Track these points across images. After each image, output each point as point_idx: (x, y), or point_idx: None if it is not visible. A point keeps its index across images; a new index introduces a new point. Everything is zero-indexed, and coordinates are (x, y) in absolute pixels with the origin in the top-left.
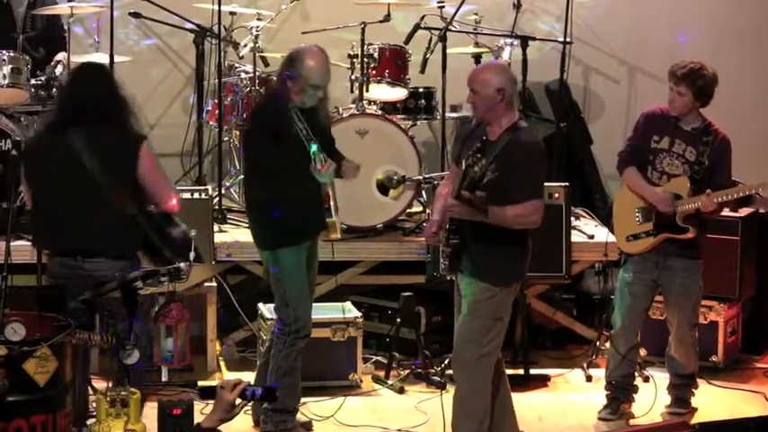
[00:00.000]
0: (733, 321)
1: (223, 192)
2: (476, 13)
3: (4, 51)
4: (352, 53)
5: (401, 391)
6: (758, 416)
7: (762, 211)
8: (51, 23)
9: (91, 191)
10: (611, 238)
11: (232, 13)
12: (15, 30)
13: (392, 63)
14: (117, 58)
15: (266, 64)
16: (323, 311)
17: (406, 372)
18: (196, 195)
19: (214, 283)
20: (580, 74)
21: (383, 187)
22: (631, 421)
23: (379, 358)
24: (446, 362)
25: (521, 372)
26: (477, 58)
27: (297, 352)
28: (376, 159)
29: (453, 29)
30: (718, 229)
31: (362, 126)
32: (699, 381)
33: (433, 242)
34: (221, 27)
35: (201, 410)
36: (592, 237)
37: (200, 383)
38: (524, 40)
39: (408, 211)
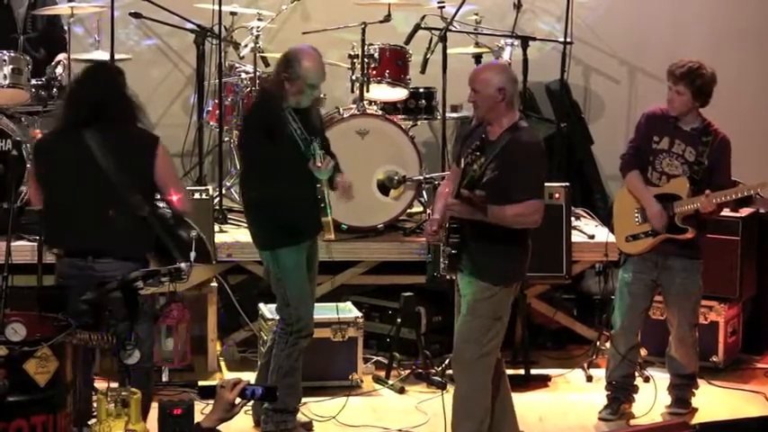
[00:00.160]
0: (733, 321)
1: (224, 192)
2: (476, 14)
3: (5, 52)
4: (352, 53)
5: (402, 391)
6: (759, 416)
7: (762, 211)
8: (52, 24)
9: (104, 191)
10: (612, 239)
11: (233, 14)
12: (16, 30)
13: (393, 63)
14: (117, 58)
15: (267, 64)
16: (324, 312)
17: (407, 372)
18: (197, 195)
19: (215, 284)
20: (580, 74)
21: (384, 187)
22: (632, 421)
23: (379, 358)
24: (447, 362)
25: (521, 372)
26: (477, 58)
27: (299, 352)
28: (376, 159)
29: (454, 29)
30: (719, 229)
31: (363, 126)
32: (699, 381)
33: (433, 241)
34: (222, 27)
35: (202, 410)
36: (592, 237)
37: (201, 383)
38: (525, 41)
39: (409, 211)
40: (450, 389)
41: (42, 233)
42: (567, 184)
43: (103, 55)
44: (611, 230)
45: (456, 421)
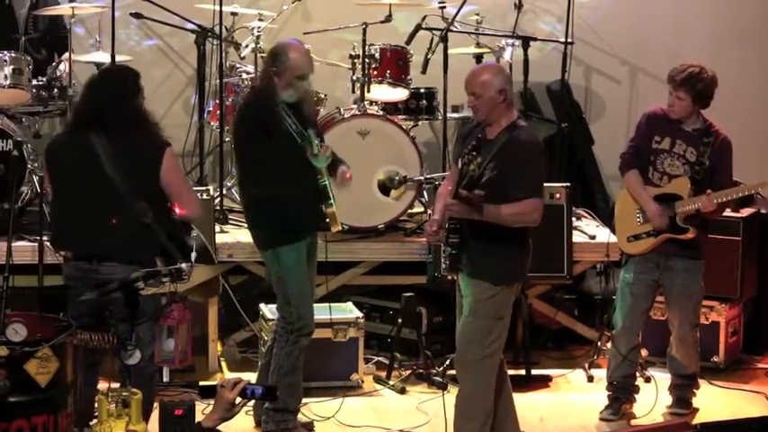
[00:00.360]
0: (734, 322)
1: (225, 192)
2: (477, 14)
3: (6, 52)
4: (353, 53)
5: (402, 391)
6: (759, 416)
7: (763, 211)
8: (54, 24)
9: (108, 196)
10: (613, 239)
11: (233, 14)
12: (17, 31)
13: (393, 63)
14: (118, 59)
15: None
16: (324, 312)
17: (408, 372)
18: (197, 196)
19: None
20: (581, 74)
21: (384, 188)
22: (633, 422)
23: (380, 359)
24: (447, 362)
25: (522, 372)
26: (478, 58)
27: (299, 351)
28: (377, 160)
29: (455, 29)
30: (720, 229)
31: (364, 126)
32: (700, 381)
33: (433, 241)
34: (223, 27)
35: (203, 411)
36: (593, 237)
37: (202, 383)
38: (526, 41)
39: (410, 211)
40: (452, 389)
41: (50, 235)
42: (568, 184)
43: (104, 56)
44: (613, 231)
45: (458, 421)
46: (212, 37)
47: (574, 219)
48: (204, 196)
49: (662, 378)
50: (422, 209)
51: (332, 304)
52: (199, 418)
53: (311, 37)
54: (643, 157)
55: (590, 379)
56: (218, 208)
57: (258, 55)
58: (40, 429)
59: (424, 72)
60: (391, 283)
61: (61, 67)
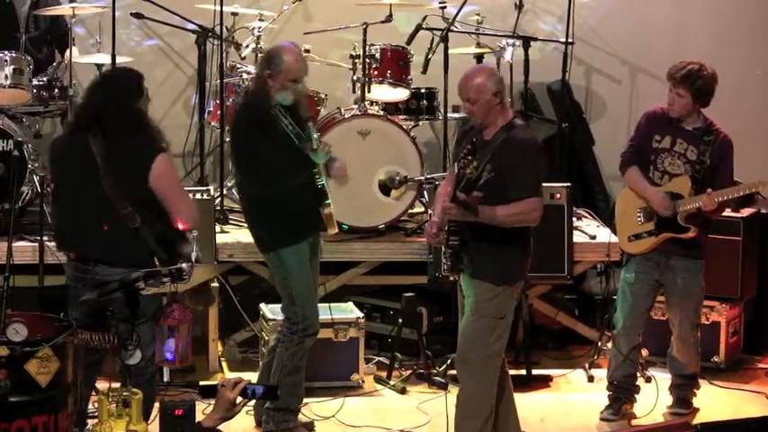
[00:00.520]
0: (735, 322)
1: (225, 192)
2: (478, 14)
3: (6, 52)
4: (353, 54)
5: (403, 391)
6: (760, 416)
7: (764, 211)
8: (55, 23)
9: (101, 200)
10: (614, 239)
11: (234, 14)
12: (18, 30)
13: (394, 63)
14: (119, 59)
15: None
16: (325, 312)
17: (408, 372)
18: (198, 196)
19: (216, 284)
20: (582, 74)
21: (385, 188)
22: (633, 422)
23: (381, 359)
24: (448, 362)
25: (523, 372)
26: (478, 58)
27: (303, 351)
28: (378, 160)
29: (455, 29)
30: (720, 229)
31: (364, 126)
32: (701, 381)
33: (433, 243)
34: (223, 28)
35: (203, 411)
36: (594, 237)
37: (202, 383)
38: (526, 41)
39: (410, 211)
40: (452, 389)
41: (53, 235)
42: (569, 184)
43: (104, 57)
44: (613, 231)
45: (459, 420)
46: (213, 37)
47: (574, 219)
48: (204, 196)
49: (662, 378)
50: (422, 209)
51: (332, 304)
52: (199, 417)
53: (312, 37)
54: (644, 157)
55: (590, 379)
56: (218, 208)
57: (259, 55)
58: (41, 429)
59: (424, 72)
60: (392, 283)
61: (61, 67)
